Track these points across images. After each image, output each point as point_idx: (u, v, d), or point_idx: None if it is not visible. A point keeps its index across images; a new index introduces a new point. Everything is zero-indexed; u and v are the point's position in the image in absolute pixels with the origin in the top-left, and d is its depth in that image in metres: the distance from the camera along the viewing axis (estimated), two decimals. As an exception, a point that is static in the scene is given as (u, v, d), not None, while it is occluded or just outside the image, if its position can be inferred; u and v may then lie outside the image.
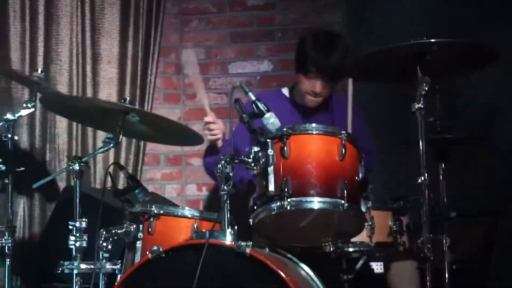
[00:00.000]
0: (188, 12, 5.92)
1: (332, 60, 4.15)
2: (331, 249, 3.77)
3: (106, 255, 3.60)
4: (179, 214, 3.73)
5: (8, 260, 3.97)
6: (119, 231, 3.64)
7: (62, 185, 4.96)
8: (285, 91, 4.51)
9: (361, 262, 3.95)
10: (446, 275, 3.81)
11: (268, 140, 3.43)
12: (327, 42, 4.21)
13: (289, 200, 3.36)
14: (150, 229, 3.64)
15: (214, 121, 4.23)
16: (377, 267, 4.38)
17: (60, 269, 3.60)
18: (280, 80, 5.58)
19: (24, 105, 4.04)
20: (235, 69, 5.84)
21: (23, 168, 4.12)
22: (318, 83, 4.20)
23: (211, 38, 5.90)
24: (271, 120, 3.59)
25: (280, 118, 3.62)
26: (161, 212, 3.68)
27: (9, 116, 4.00)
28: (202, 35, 5.90)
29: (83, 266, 3.59)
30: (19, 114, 4.02)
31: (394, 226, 3.86)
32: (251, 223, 3.48)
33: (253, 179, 3.62)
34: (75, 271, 3.59)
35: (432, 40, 3.58)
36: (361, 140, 3.64)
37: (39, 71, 4.07)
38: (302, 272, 3.64)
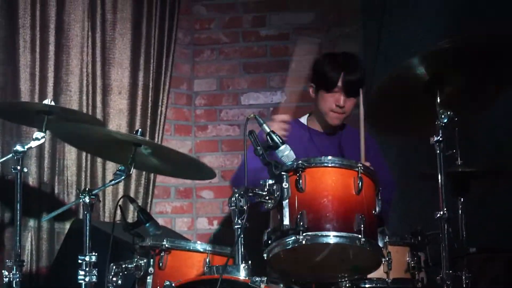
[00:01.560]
0: (200, 42, 5.89)
1: (352, 73, 4.26)
2: (347, 285, 3.69)
3: (116, 290, 3.55)
4: (191, 248, 3.71)
5: (16, 295, 3.89)
6: (129, 266, 3.62)
7: (70, 218, 4.88)
8: (303, 119, 4.54)
9: (378, 298, 3.88)
10: (466, 313, 3.72)
11: (283, 173, 3.38)
12: (345, 58, 4.35)
13: (304, 234, 3.30)
14: (161, 264, 3.63)
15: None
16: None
17: (69, 304, 3.56)
18: (294, 111, 5.52)
19: (34, 136, 3.97)
20: (248, 100, 5.80)
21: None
22: (342, 97, 4.27)
23: (223, 69, 5.86)
24: (286, 153, 3.53)
25: (298, 146, 3.60)
26: (173, 246, 3.65)
27: (18, 147, 3.92)
28: (214, 65, 5.87)
29: (92, 301, 3.53)
30: (29, 145, 3.95)
31: (412, 262, 3.80)
32: (265, 258, 3.42)
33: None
34: (84, 307, 3.53)
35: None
36: (380, 173, 3.61)
37: (49, 101, 4.01)
38: (317, 309, 3.58)
